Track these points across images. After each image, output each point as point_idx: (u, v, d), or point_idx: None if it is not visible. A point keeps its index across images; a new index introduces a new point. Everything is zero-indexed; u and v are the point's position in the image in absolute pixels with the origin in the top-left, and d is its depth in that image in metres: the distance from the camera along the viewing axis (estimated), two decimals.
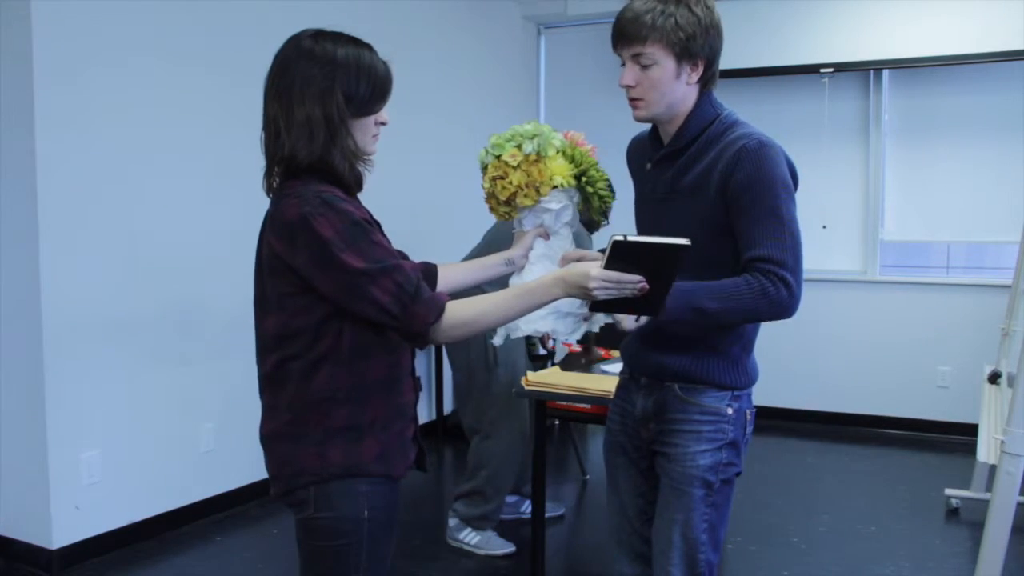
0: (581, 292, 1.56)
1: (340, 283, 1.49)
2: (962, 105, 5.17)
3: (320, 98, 1.54)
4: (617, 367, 3.23)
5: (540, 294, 1.58)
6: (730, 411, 1.81)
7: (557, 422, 5.04)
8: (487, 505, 3.49)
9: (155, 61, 3.48)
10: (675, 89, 1.73)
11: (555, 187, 1.80)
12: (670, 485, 1.82)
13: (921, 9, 5.04)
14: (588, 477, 4.53)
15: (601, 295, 1.55)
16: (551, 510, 3.66)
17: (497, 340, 1.84)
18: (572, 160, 1.82)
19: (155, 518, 3.57)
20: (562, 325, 1.76)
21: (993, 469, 2.54)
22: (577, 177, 1.83)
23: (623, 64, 1.76)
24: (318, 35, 1.59)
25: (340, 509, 1.58)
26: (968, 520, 3.82)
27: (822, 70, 5.30)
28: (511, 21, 5.92)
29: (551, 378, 3.06)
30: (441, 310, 1.51)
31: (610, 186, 1.87)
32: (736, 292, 1.66)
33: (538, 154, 1.80)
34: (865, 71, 5.32)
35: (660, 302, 1.58)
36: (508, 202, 1.84)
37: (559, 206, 1.83)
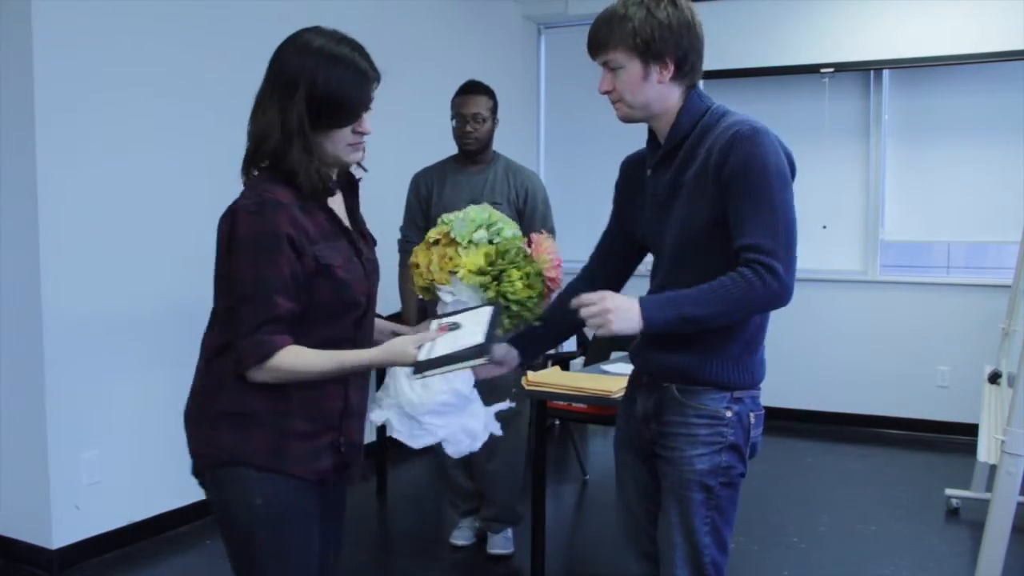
0: (403, 360, 1.58)
1: (230, 279, 1.56)
2: (962, 105, 5.17)
3: (281, 102, 1.56)
4: (617, 367, 3.24)
5: (359, 359, 1.59)
6: (729, 414, 1.78)
7: (557, 422, 5.04)
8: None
9: (156, 60, 3.48)
10: (647, 89, 1.75)
11: (458, 278, 1.69)
12: (669, 488, 1.81)
13: (921, 9, 5.04)
14: (588, 477, 4.53)
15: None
16: (502, 547, 3.50)
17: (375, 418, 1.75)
18: (495, 258, 1.68)
19: (155, 518, 3.56)
20: (402, 425, 1.70)
21: (993, 469, 2.54)
22: (495, 277, 1.67)
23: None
24: (304, 36, 1.60)
25: (230, 494, 1.62)
26: (968, 520, 3.81)
27: (822, 70, 5.30)
28: (511, 21, 5.92)
29: (551, 378, 3.06)
30: (263, 358, 1.53)
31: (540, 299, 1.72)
32: (723, 292, 1.63)
33: (454, 239, 1.70)
34: (865, 71, 5.32)
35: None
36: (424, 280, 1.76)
37: (450, 300, 1.72)
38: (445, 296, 1.71)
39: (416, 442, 1.69)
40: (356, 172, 1.78)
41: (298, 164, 1.56)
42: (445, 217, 1.76)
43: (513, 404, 1.82)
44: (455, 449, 1.72)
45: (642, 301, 1.64)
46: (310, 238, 1.57)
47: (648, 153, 1.89)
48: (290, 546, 1.63)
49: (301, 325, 1.59)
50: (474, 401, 1.75)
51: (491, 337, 1.56)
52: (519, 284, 1.67)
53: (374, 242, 1.81)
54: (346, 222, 1.69)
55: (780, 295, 1.65)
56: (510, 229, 1.74)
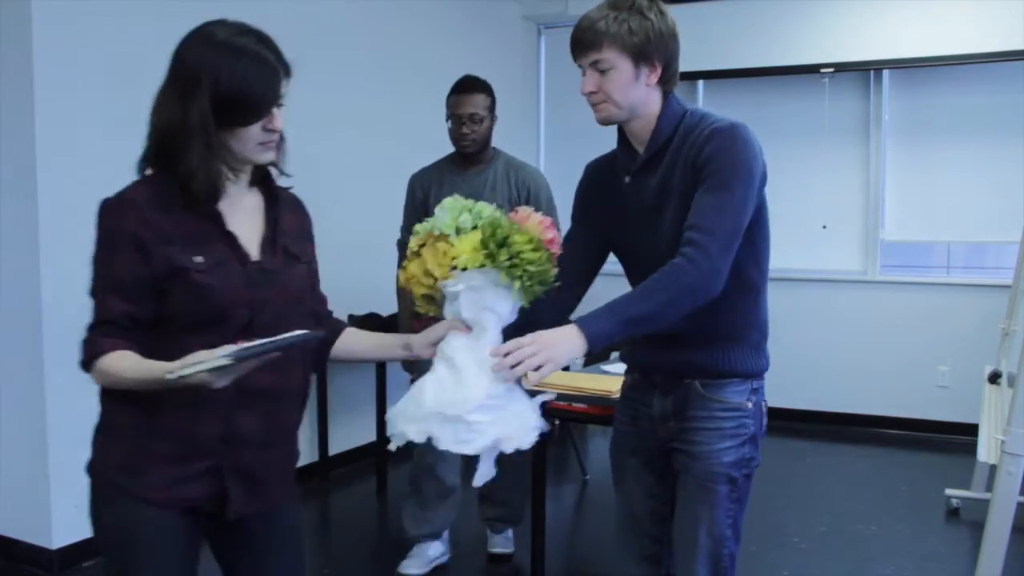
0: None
1: None
2: (962, 105, 5.17)
3: (183, 99, 1.47)
4: (617, 367, 3.23)
5: (162, 369, 1.38)
6: (750, 405, 1.82)
7: (557, 422, 5.04)
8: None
9: (157, 61, 3.46)
10: (635, 90, 1.76)
11: (459, 269, 1.56)
12: (694, 483, 1.82)
13: (921, 9, 5.04)
14: (588, 477, 4.53)
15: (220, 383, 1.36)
16: (502, 546, 3.52)
17: (392, 445, 1.59)
18: (493, 233, 1.57)
19: None
20: (444, 431, 1.51)
21: (993, 469, 2.54)
22: (501, 243, 1.54)
23: (583, 74, 1.79)
24: (207, 28, 1.55)
25: (92, 510, 1.56)
26: (968, 520, 3.81)
27: (822, 70, 5.30)
28: (511, 21, 5.92)
29: (551, 378, 3.04)
30: (88, 358, 1.50)
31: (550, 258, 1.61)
32: (656, 285, 1.63)
33: (438, 235, 1.60)
34: (865, 71, 5.32)
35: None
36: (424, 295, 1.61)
37: (460, 288, 1.56)
38: (452, 289, 1.58)
39: (465, 447, 1.52)
40: (290, 180, 1.66)
41: (194, 163, 1.46)
42: (417, 227, 1.67)
43: (554, 395, 1.71)
44: (512, 444, 1.57)
45: (578, 321, 1.61)
46: (166, 239, 1.46)
47: (623, 158, 1.88)
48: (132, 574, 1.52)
49: (162, 332, 1.48)
50: (516, 388, 1.60)
51: (268, 345, 1.38)
52: (527, 247, 1.57)
53: (290, 254, 1.61)
54: (229, 226, 1.53)
55: (708, 274, 1.62)
56: (488, 209, 1.65)
